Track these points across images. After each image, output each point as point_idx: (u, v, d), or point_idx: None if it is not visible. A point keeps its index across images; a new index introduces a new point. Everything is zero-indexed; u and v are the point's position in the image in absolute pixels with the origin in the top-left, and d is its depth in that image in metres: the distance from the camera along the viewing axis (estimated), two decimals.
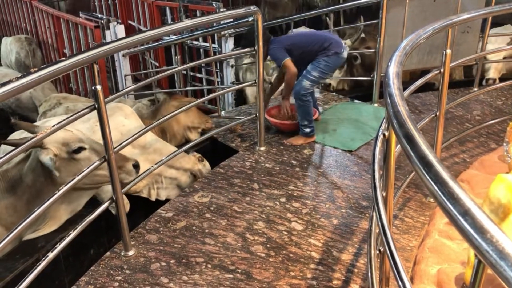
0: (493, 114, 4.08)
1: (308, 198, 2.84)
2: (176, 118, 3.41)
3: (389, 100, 1.45)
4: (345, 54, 3.50)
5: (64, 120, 1.96)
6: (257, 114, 3.37)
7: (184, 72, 5.79)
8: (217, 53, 5.10)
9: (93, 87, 2.03)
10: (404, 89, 1.74)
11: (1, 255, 2.32)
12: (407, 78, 5.02)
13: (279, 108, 3.85)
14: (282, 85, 3.65)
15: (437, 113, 2.60)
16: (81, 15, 5.79)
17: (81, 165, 2.37)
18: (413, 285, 2.07)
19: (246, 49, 3.33)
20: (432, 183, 0.98)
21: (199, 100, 3.39)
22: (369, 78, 4.43)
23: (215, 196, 2.85)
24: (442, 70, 2.50)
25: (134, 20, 6.80)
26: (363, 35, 5.33)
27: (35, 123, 2.78)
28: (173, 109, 3.43)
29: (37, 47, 6.93)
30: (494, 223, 0.81)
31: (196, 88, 5.87)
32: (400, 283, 1.24)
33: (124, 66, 5.54)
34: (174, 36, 5.19)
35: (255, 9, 3.07)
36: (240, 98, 5.52)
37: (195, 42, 5.60)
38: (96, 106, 2.04)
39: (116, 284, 2.14)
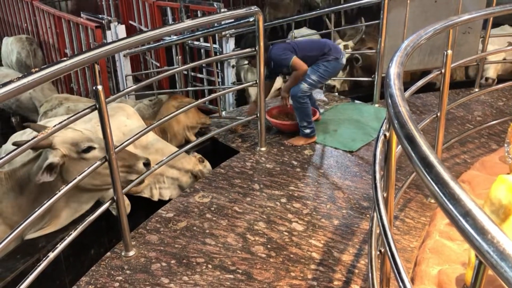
0: (494, 115, 4.08)
1: (308, 198, 2.83)
2: (176, 118, 3.41)
3: (390, 101, 1.45)
4: (343, 60, 3.55)
5: (65, 120, 1.96)
6: (258, 115, 3.37)
7: (185, 72, 5.79)
8: (218, 54, 5.10)
9: (94, 87, 2.03)
10: (405, 89, 1.74)
11: (3, 254, 2.32)
12: (408, 79, 5.02)
13: (280, 109, 3.85)
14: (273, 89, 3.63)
15: (438, 114, 2.60)
16: (82, 15, 5.79)
17: (91, 164, 2.38)
18: (413, 286, 2.07)
19: (247, 50, 3.33)
20: (433, 184, 0.98)
21: (200, 101, 3.39)
22: (370, 79, 4.43)
23: (216, 196, 2.85)
24: (443, 70, 2.50)
25: (135, 21, 6.81)
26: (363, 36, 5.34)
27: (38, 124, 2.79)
28: (173, 109, 3.44)
29: (38, 47, 6.94)
30: (495, 224, 0.81)
31: (197, 88, 5.88)
32: (400, 284, 1.23)
33: (125, 66, 5.55)
34: (175, 37, 5.20)
35: (256, 9, 3.07)
36: (241, 98, 5.52)
37: (196, 43, 5.61)
38: (97, 106, 2.04)
39: (117, 284, 2.14)
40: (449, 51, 2.48)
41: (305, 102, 3.44)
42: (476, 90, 4.51)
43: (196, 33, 4.97)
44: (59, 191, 1.97)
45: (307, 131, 3.52)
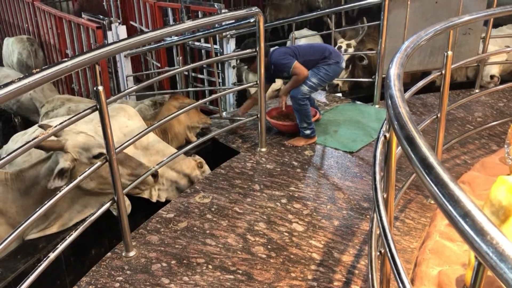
0: (494, 116, 4.08)
1: (309, 199, 2.84)
2: (177, 118, 3.41)
3: (390, 102, 1.45)
4: (343, 64, 3.59)
5: (66, 120, 1.96)
6: (259, 115, 3.38)
7: (186, 73, 5.80)
8: (218, 54, 5.11)
9: (95, 88, 2.03)
10: (405, 90, 1.74)
11: (4, 254, 2.33)
12: (408, 79, 5.03)
13: (280, 110, 3.85)
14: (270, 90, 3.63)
15: (438, 115, 2.60)
16: (83, 16, 5.79)
17: (100, 170, 2.37)
18: (413, 286, 2.08)
19: (248, 50, 3.33)
20: (433, 185, 0.98)
21: (200, 101, 3.39)
22: (370, 80, 4.43)
23: (216, 197, 2.85)
24: (443, 71, 2.50)
25: (136, 21, 6.81)
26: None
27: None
28: (173, 109, 3.43)
29: (39, 48, 6.94)
30: (494, 225, 0.81)
31: (198, 89, 5.88)
32: (400, 284, 1.24)
33: (126, 67, 5.55)
34: (176, 37, 5.20)
35: (257, 10, 3.08)
36: (242, 99, 5.53)
37: (196, 43, 5.61)
38: (98, 106, 2.05)
39: (117, 284, 2.14)
40: (450, 52, 2.48)
41: (305, 104, 3.45)
42: (477, 91, 4.52)
43: (197, 34, 4.97)
44: (59, 192, 1.97)
45: (308, 132, 3.52)
